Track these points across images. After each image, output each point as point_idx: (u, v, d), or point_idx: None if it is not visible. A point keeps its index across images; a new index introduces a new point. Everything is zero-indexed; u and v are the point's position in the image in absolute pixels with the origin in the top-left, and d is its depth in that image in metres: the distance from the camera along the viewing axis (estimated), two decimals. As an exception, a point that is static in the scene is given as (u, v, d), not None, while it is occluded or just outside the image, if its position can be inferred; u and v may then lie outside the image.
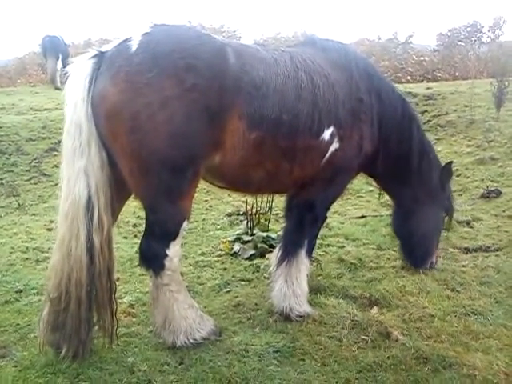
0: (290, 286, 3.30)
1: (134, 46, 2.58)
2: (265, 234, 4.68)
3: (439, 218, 3.88)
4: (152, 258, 2.82)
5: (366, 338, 3.04)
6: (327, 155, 3.13)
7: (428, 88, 11.18)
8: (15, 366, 2.82)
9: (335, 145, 3.13)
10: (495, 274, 3.88)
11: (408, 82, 18.38)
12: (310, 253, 3.41)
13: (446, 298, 3.52)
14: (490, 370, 2.66)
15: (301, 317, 3.28)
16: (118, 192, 2.85)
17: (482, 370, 2.67)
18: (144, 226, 2.90)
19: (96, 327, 2.81)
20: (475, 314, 3.28)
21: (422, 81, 18.80)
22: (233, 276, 4.16)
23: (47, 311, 2.76)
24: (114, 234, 2.89)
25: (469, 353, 2.84)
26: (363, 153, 3.31)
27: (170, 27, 2.81)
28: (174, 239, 2.82)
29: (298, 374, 2.73)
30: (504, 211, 5.36)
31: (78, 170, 2.60)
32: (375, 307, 3.35)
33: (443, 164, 3.86)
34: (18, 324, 3.34)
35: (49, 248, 4.88)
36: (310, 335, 3.11)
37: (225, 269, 4.33)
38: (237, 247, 4.62)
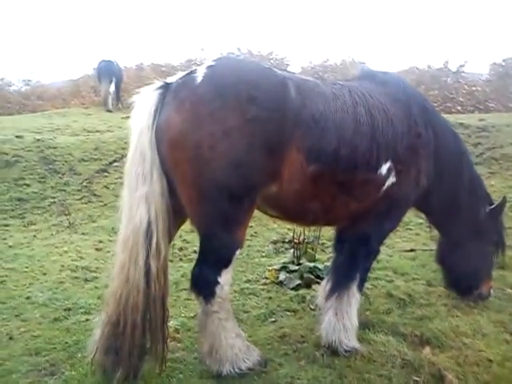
0: (339, 320, 3.23)
1: (199, 77, 2.69)
2: (311, 265, 4.62)
3: (487, 253, 3.80)
4: (203, 284, 2.84)
5: (417, 379, 2.91)
6: (384, 189, 3.09)
7: (481, 120, 10.89)
8: (64, 384, 2.88)
9: (392, 179, 3.10)
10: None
11: (458, 112, 18.07)
12: (361, 287, 3.34)
13: (505, 341, 3.34)
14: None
15: (349, 352, 3.19)
16: (175, 219, 2.91)
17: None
18: (194, 251, 2.93)
19: (148, 353, 2.82)
20: (537, 361, 3.09)
21: (473, 111, 18.44)
22: (278, 305, 4.10)
23: (101, 334, 2.80)
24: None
25: (531, 403, 2.68)
26: (420, 187, 3.26)
27: (233, 60, 2.90)
28: (226, 267, 2.85)
29: (347, 413, 2.64)
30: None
31: (139, 197, 2.68)
32: (427, 347, 3.21)
33: (495, 199, 3.80)
34: (67, 342, 3.41)
35: (97, 268, 5.03)
36: (359, 372, 3.01)
37: (270, 298, 4.28)
38: (282, 276, 4.58)
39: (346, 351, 3.19)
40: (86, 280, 4.68)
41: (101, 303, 4.08)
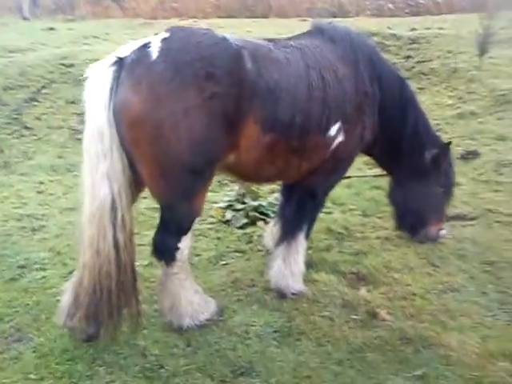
0: (288, 266, 3.55)
1: (153, 53, 2.66)
2: (256, 203, 4.87)
3: (435, 194, 4.00)
4: (165, 250, 3.06)
5: (355, 317, 3.35)
6: (332, 148, 3.28)
7: (413, 29, 11.01)
8: (34, 352, 3.04)
9: (340, 138, 3.29)
10: (471, 247, 4.19)
11: (391, 13, 18.12)
12: (307, 235, 3.64)
13: (427, 274, 3.84)
14: (463, 350, 3.01)
15: (296, 295, 3.56)
16: (136, 191, 3.06)
17: (457, 350, 3.02)
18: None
19: (124, 313, 3.03)
20: (452, 292, 3.61)
21: (403, 9, 18.55)
22: (227, 247, 4.38)
23: (75, 301, 2.96)
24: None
25: (446, 332, 3.19)
26: (364, 142, 3.47)
27: (187, 32, 2.82)
28: (186, 234, 3.06)
29: (296, 355, 3.03)
30: (480, 175, 5.64)
31: (101, 174, 2.76)
32: (363, 288, 3.64)
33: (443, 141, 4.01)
34: (28, 304, 3.50)
35: (42, 215, 5.02)
36: (305, 314, 3.40)
37: (219, 238, 4.54)
38: (229, 215, 4.81)
39: (293, 294, 3.56)
40: (34, 230, 4.67)
41: (54, 256, 4.19)
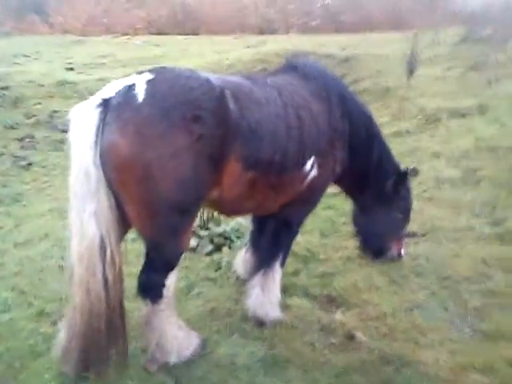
0: (266, 295, 3.65)
1: (139, 95, 2.67)
2: (221, 229, 4.92)
3: (395, 218, 4.20)
4: (152, 288, 3.06)
5: (334, 341, 3.50)
6: (307, 181, 3.42)
7: (343, 49, 11.60)
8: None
9: (314, 172, 3.43)
10: (426, 263, 4.50)
11: (318, 28, 19.06)
12: (283, 263, 3.75)
13: (394, 293, 4.08)
14: (437, 366, 3.25)
15: (274, 322, 3.66)
16: (124, 227, 3.04)
17: (432, 365, 3.26)
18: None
19: (111, 354, 2.99)
20: (417, 309, 3.86)
21: (330, 24, 19.70)
22: (197, 275, 4.39)
23: (69, 344, 2.95)
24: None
25: (419, 349, 3.42)
26: (335, 174, 3.65)
27: (172, 74, 2.85)
28: (172, 270, 3.08)
29: (285, 383, 3.13)
30: (424, 191, 6.05)
31: (88, 214, 2.75)
32: (338, 311, 3.81)
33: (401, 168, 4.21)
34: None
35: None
36: (286, 341, 3.50)
37: (187, 267, 4.53)
38: (194, 242, 4.82)
39: (271, 322, 3.65)
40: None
41: (17, 296, 4.00)
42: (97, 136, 2.68)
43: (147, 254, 3.04)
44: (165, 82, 2.80)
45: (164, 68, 2.99)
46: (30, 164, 6.76)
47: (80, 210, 2.76)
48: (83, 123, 2.72)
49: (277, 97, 3.22)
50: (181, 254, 3.09)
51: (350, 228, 5.18)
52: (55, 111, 7.86)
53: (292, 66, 3.67)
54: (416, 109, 8.67)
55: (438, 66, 11.09)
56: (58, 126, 7.63)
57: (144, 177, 2.67)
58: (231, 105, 2.90)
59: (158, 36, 17.10)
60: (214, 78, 3.00)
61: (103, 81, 9.09)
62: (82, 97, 8.40)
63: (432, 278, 4.29)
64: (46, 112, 7.81)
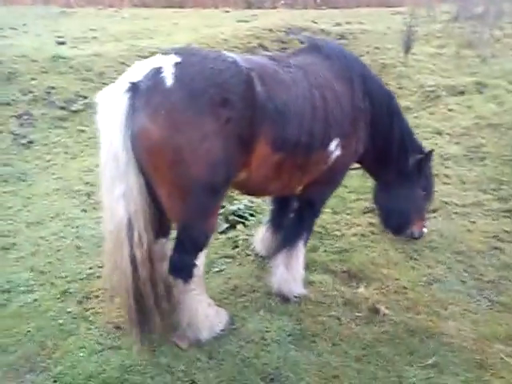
0: (290, 272, 3.70)
1: (168, 79, 2.65)
2: (234, 207, 4.93)
3: (417, 196, 4.23)
4: (183, 268, 3.11)
5: (359, 315, 3.59)
6: (331, 161, 3.44)
7: (338, 24, 11.51)
8: (55, 382, 2.94)
9: (337, 152, 3.44)
10: (439, 239, 4.60)
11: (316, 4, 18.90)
12: (306, 242, 3.79)
13: (411, 268, 4.18)
14: (461, 337, 3.37)
15: (298, 297, 3.72)
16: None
17: (456, 337, 3.37)
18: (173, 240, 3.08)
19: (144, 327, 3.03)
20: (436, 283, 3.98)
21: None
22: (215, 253, 4.41)
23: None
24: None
25: (442, 321, 3.53)
26: (357, 154, 3.67)
27: (199, 57, 2.82)
28: (202, 250, 3.10)
29: (316, 356, 3.20)
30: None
31: (117, 196, 2.76)
32: (361, 286, 3.88)
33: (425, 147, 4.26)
34: (29, 331, 3.34)
35: (9, 231, 4.70)
36: (312, 316, 3.57)
37: (204, 245, 4.54)
38: (209, 220, 4.82)
39: (295, 297, 3.72)
40: (5, 248, 4.37)
41: (37, 276, 3.98)
42: (126, 121, 2.66)
43: (178, 236, 3.07)
44: (192, 66, 2.77)
45: (190, 49, 2.96)
46: (30, 142, 6.62)
47: (108, 191, 2.79)
48: (112, 108, 2.69)
49: (302, 78, 3.21)
50: (210, 235, 3.12)
51: (360, 205, 5.30)
52: (52, 87, 7.65)
53: (314, 47, 3.64)
54: (415, 86, 8.71)
55: (432, 44, 11.14)
56: (55, 103, 7.46)
57: (175, 161, 2.69)
58: (258, 87, 2.89)
59: (146, 9, 16.71)
60: (240, 59, 2.97)
61: (98, 56, 8.89)
62: (78, 72, 8.27)
63: (447, 252, 4.40)
64: (42, 88, 7.59)
